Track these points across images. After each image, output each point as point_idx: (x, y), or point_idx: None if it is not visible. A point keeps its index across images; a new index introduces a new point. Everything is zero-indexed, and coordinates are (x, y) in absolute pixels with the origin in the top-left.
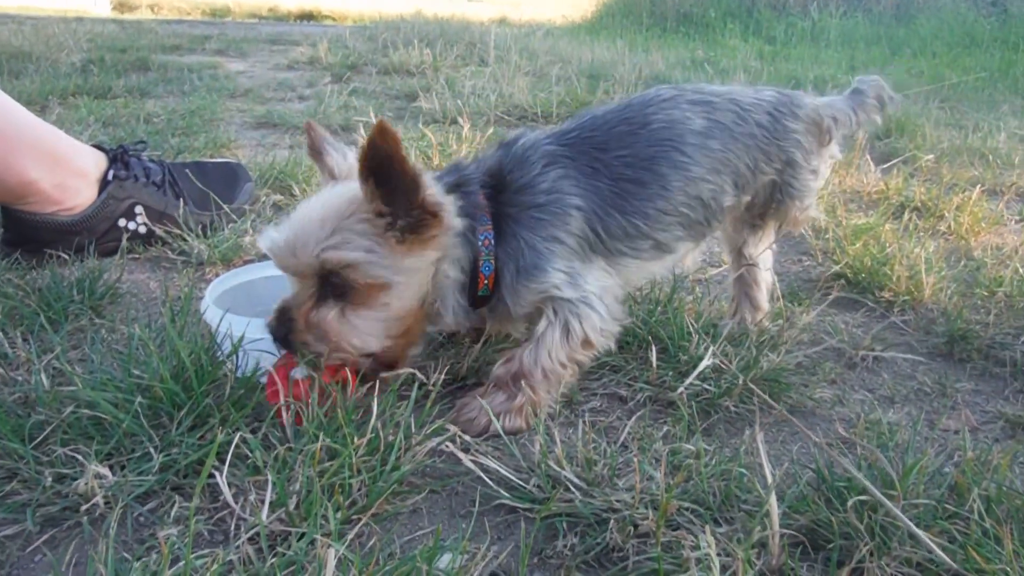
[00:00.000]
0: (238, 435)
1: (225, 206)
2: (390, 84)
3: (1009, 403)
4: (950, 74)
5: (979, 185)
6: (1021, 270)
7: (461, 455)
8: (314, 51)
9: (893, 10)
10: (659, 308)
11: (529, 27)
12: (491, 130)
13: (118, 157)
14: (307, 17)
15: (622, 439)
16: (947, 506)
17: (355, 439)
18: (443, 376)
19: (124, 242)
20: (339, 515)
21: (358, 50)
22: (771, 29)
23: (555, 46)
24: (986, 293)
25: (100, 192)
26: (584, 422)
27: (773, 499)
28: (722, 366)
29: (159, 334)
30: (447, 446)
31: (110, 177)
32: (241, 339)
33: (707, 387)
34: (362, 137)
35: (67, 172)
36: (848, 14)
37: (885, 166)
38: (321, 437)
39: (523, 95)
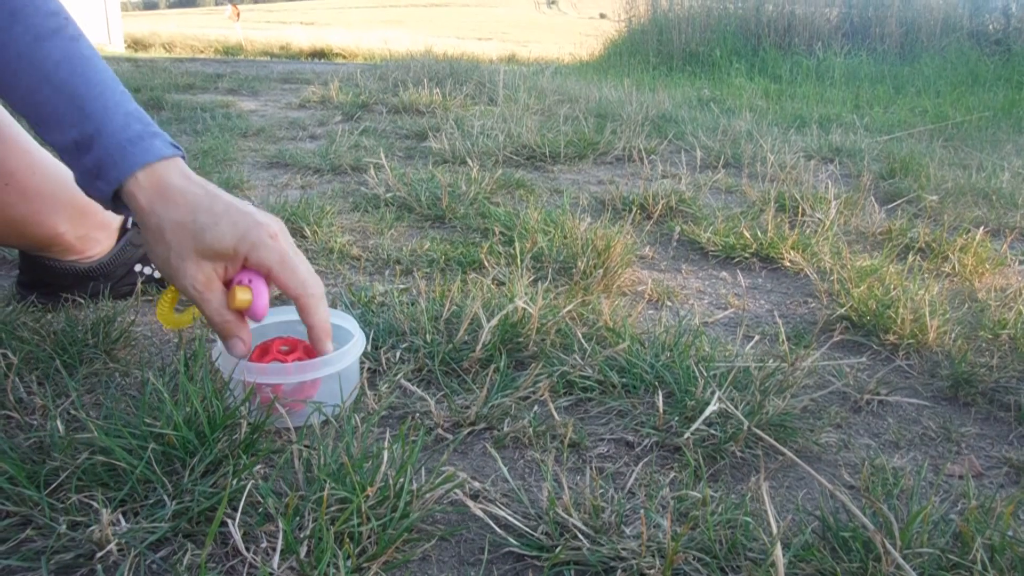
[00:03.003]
0: (250, 483)
1: None
2: (400, 123)
3: (1014, 448)
4: (954, 113)
5: (983, 226)
6: None
7: (469, 503)
8: (325, 90)
9: (897, 49)
10: (665, 352)
11: (537, 65)
12: (500, 171)
13: None
14: (318, 55)
15: (629, 485)
16: (951, 556)
17: (365, 487)
18: (450, 422)
19: (139, 285)
20: (349, 563)
21: (369, 89)
22: (776, 68)
23: (563, 85)
24: (990, 336)
25: (119, 240)
26: (591, 468)
27: (778, 550)
28: (728, 411)
29: (172, 379)
30: (456, 493)
31: (128, 225)
32: (253, 386)
33: (713, 432)
34: (373, 178)
35: (92, 225)
36: (852, 53)
37: (890, 207)
38: (330, 484)
39: (531, 135)
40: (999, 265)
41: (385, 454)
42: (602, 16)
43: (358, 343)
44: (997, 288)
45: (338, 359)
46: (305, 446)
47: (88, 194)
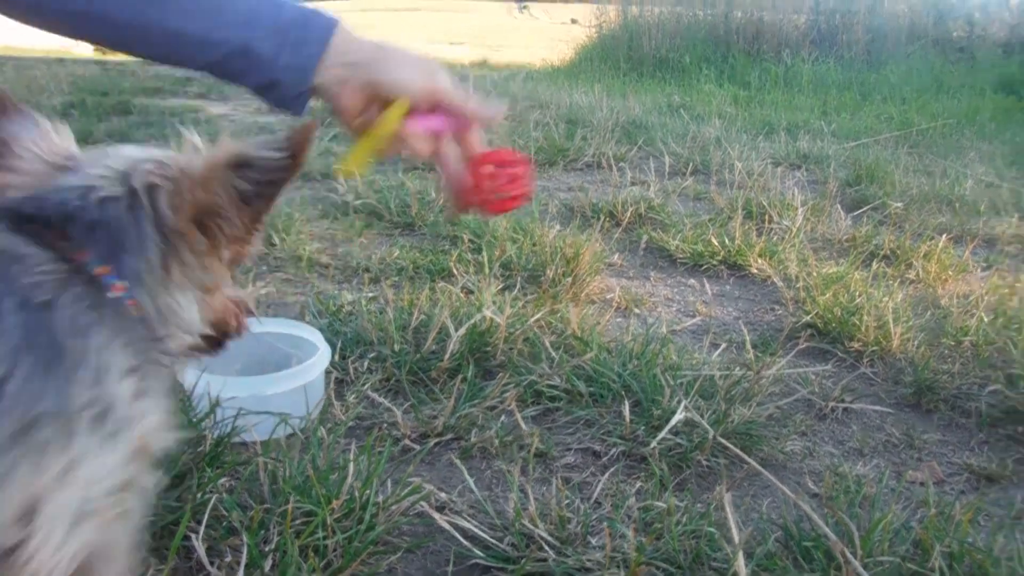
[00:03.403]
0: (214, 496)
1: None
2: None
3: (974, 454)
4: (919, 120)
5: (946, 233)
6: (986, 319)
7: (435, 515)
8: None
9: (864, 56)
10: (632, 361)
11: (509, 70)
12: None
13: None
14: None
15: (595, 495)
16: (910, 564)
17: (331, 500)
18: (417, 433)
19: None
20: None
21: None
22: (745, 74)
23: (534, 90)
24: (952, 343)
25: None
26: (558, 478)
27: (741, 560)
28: (694, 420)
29: None
30: (422, 505)
31: None
32: (218, 399)
33: (680, 441)
34: (342, 185)
35: None
36: (820, 60)
37: (856, 213)
38: (295, 497)
39: (502, 141)
40: (961, 272)
41: (351, 467)
42: (573, 21)
43: (323, 355)
44: (960, 295)
45: (303, 371)
46: (271, 458)
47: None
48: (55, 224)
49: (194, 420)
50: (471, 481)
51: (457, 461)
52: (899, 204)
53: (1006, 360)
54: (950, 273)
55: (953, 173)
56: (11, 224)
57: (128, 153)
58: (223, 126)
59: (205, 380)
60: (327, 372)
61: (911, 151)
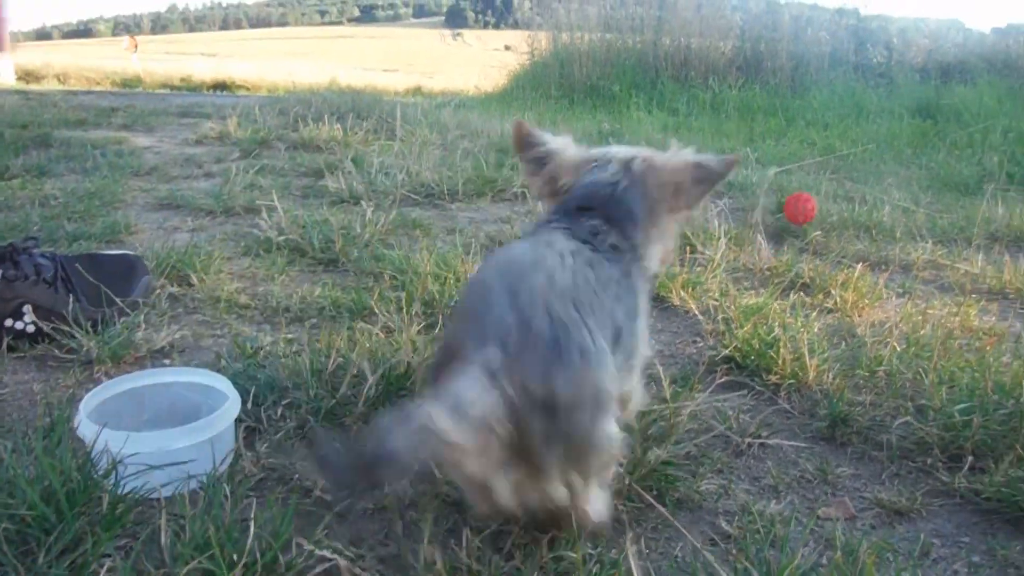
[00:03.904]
0: (107, 563)
1: (119, 301)
2: (299, 160)
3: (885, 488)
4: (840, 145)
5: (864, 260)
6: (898, 348)
7: (345, 572)
8: (223, 126)
9: (788, 82)
10: None
11: (442, 98)
12: (395, 212)
13: (7, 256)
14: (221, 87)
15: (508, 547)
16: None
17: (234, 562)
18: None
19: (7, 342)
20: None
21: (268, 124)
22: (674, 101)
23: (465, 119)
24: (867, 373)
25: None
26: (470, 529)
27: None
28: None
29: (32, 450)
30: (333, 560)
31: None
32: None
33: None
34: (265, 221)
35: None
36: (746, 86)
37: (778, 242)
38: (196, 559)
39: (430, 173)
40: (877, 299)
41: (251, 526)
42: (507, 48)
43: (232, 405)
44: (876, 323)
45: (210, 423)
46: (173, 515)
47: None
48: (601, 207)
49: (94, 479)
50: (380, 535)
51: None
52: (819, 232)
53: (917, 390)
54: (866, 301)
55: (872, 199)
56: (580, 212)
57: (624, 152)
58: (147, 159)
59: (106, 436)
60: (238, 421)
61: (833, 176)
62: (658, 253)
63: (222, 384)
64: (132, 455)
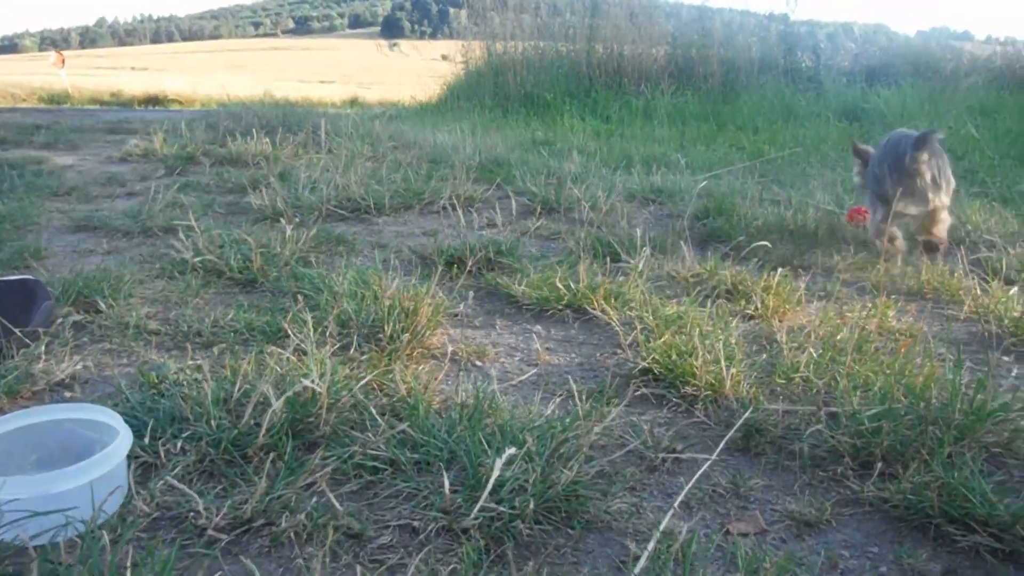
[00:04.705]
0: None
1: (16, 330)
2: (226, 176)
3: (796, 499)
4: (769, 149)
5: (787, 264)
6: (814, 353)
7: None
8: (149, 142)
9: (720, 88)
10: (461, 423)
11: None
12: (315, 229)
13: None
14: (153, 102)
15: None
16: None
17: None
18: (224, 519)
19: None
20: None
21: (196, 140)
22: (607, 108)
23: (398, 130)
24: (784, 380)
25: None
26: (363, 565)
27: None
28: (524, 486)
29: None
30: None
31: None
32: None
33: (502, 509)
34: (180, 241)
35: None
36: (679, 92)
37: (703, 248)
38: None
39: (358, 187)
40: (797, 304)
41: (128, 574)
42: (444, 58)
43: (122, 442)
44: (795, 328)
45: (96, 463)
46: (48, 564)
47: None
48: None
49: None
50: (276, 573)
51: (248, 562)
52: (742, 237)
53: (832, 396)
54: (787, 306)
55: (796, 202)
56: None
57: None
58: (67, 178)
59: None
60: (132, 457)
61: (760, 180)
62: None
63: (113, 419)
64: (10, 501)
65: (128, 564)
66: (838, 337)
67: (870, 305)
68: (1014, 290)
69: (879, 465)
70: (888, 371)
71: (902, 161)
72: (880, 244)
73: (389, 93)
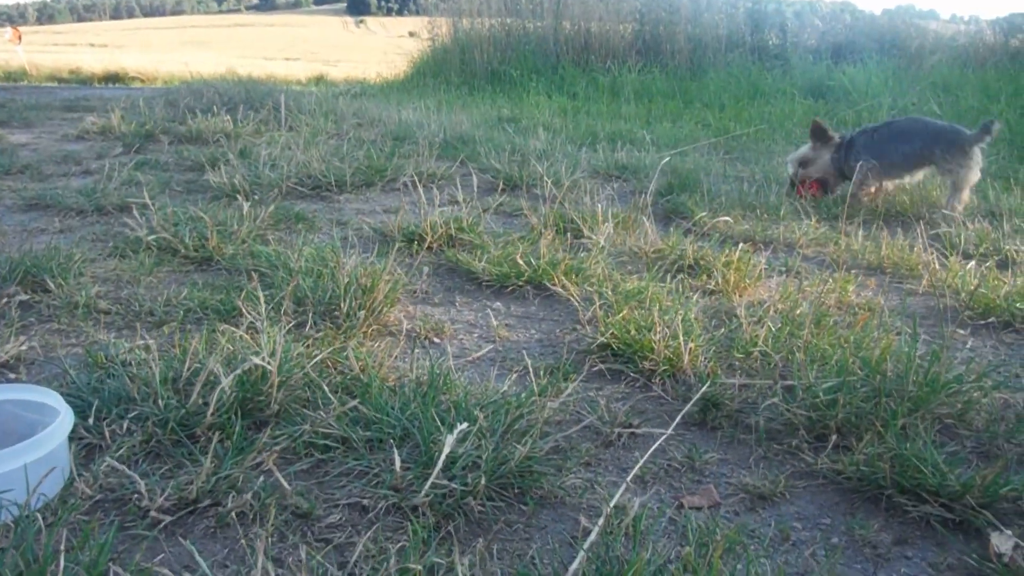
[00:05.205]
0: None
1: None
2: (185, 155)
3: (751, 472)
4: (734, 126)
5: (750, 240)
6: (773, 328)
7: None
8: (107, 120)
9: (687, 65)
10: (416, 400)
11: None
12: (273, 206)
13: None
14: (113, 79)
15: (354, 559)
16: None
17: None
18: (168, 500)
19: None
20: None
21: (155, 117)
22: (573, 85)
23: (363, 107)
24: (742, 355)
25: None
26: (309, 545)
27: None
28: (477, 462)
29: None
30: None
31: None
32: None
33: (454, 486)
34: (135, 219)
35: None
36: (646, 69)
37: (666, 224)
38: None
39: (319, 164)
40: (758, 279)
41: (62, 559)
42: (411, 35)
43: (62, 423)
44: (755, 302)
45: (33, 445)
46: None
47: None
48: None
49: None
50: (204, 565)
51: (190, 546)
52: (705, 213)
53: (789, 369)
54: (747, 281)
55: (760, 178)
56: None
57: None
58: (21, 156)
59: None
60: (76, 439)
61: (725, 157)
62: None
63: (54, 400)
64: None
65: (62, 548)
66: (797, 312)
67: (830, 280)
68: (971, 264)
69: (834, 437)
70: (845, 344)
71: (962, 141)
72: (865, 197)
73: (355, 70)
